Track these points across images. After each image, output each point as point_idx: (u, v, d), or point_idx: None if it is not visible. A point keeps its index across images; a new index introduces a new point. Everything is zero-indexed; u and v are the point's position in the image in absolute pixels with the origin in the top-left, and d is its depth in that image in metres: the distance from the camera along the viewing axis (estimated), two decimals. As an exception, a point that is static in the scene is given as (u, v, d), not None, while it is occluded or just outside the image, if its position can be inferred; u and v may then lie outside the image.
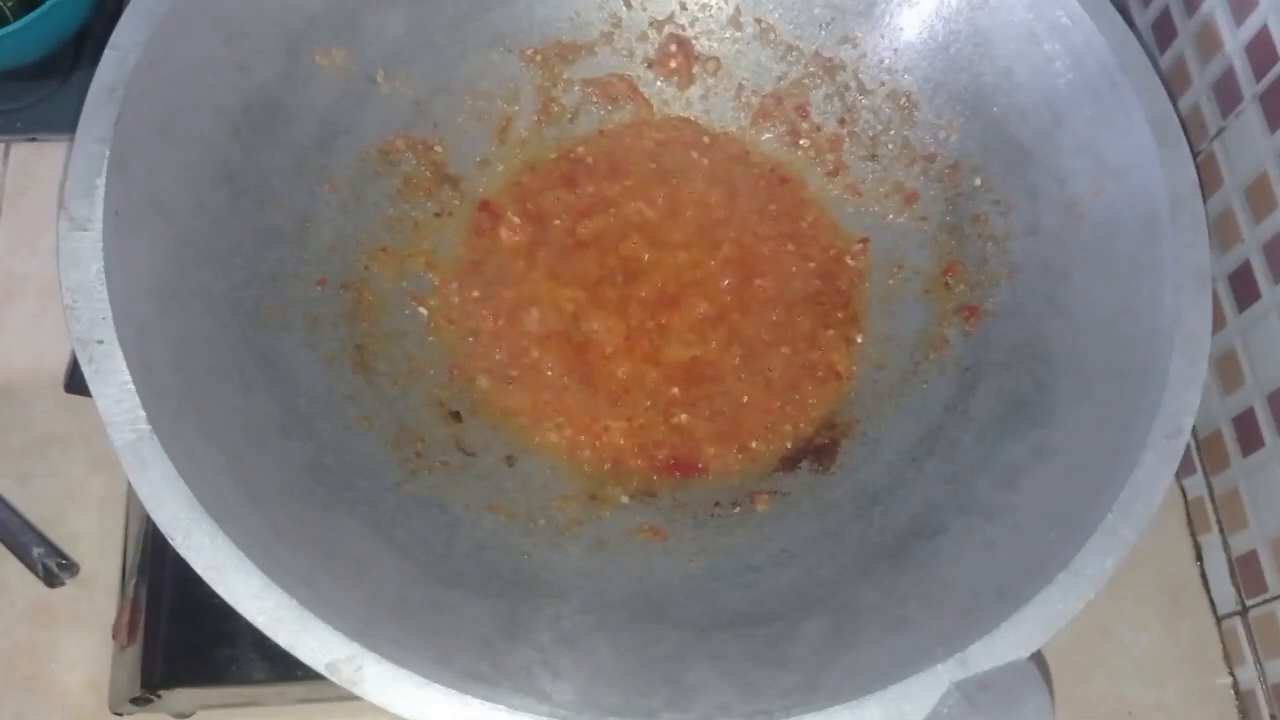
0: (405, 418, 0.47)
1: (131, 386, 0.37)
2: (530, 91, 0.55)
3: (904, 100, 0.54)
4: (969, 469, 0.45)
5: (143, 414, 0.36)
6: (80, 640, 0.49)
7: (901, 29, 0.53)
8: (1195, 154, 0.51)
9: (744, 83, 0.56)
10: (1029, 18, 0.49)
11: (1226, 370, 0.52)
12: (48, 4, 0.54)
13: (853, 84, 0.55)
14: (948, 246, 0.52)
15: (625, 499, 0.48)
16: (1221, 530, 0.53)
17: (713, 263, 0.53)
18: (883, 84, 0.54)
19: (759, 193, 0.55)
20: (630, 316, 0.52)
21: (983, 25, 0.51)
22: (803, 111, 0.56)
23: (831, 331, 0.53)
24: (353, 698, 0.34)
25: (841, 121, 0.55)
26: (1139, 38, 0.48)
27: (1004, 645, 0.36)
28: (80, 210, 0.39)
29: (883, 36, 0.54)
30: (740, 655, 0.39)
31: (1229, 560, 0.52)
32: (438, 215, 0.53)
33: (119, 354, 0.37)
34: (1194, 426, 0.41)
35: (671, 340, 0.52)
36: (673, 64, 0.56)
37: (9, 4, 0.56)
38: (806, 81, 0.56)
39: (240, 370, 0.42)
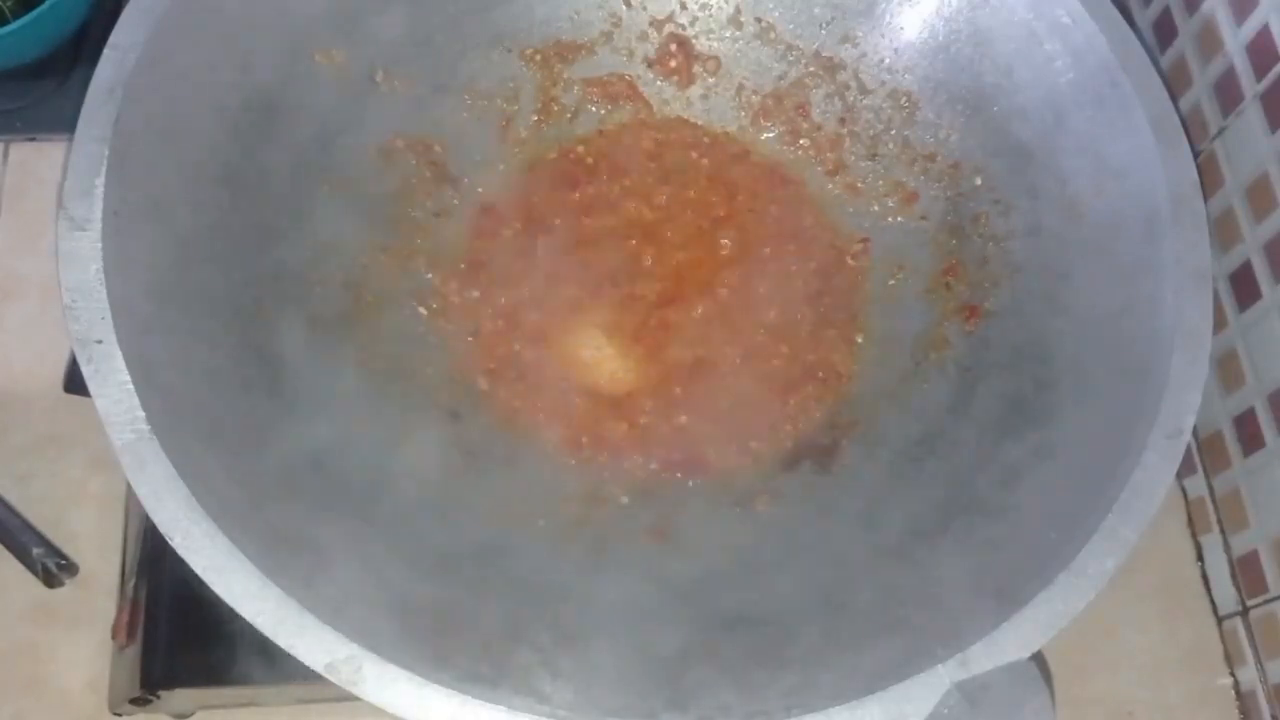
0: (405, 417, 0.47)
1: (131, 386, 0.37)
2: (530, 91, 0.55)
3: (904, 100, 0.54)
4: (969, 469, 0.45)
5: (142, 414, 0.36)
6: (80, 640, 0.49)
7: (902, 28, 0.53)
8: (1196, 153, 0.51)
9: (744, 82, 0.56)
10: (1029, 17, 0.49)
11: (1227, 370, 0.52)
12: (47, 3, 0.54)
13: (853, 83, 0.55)
14: (948, 246, 0.52)
15: (625, 499, 0.48)
16: (1222, 530, 0.53)
17: (713, 263, 0.53)
18: (883, 83, 0.54)
19: (759, 193, 0.55)
20: (630, 317, 0.52)
21: (983, 25, 0.51)
22: (803, 111, 0.56)
23: (832, 331, 0.52)
24: (352, 698, 0.34)
25: (842, 121, 0.55)
26: (1140, 37, 0.48)
27: (1004, 645, 0.36)
28: (79, 210, 0.39)
29: (883, 36, 0.54)
30: (740, 655, 0.39)
31: (1230, 560, 0.52)
32: (438, 215, 0.53)
33: (118, 354, 0.37)
34: (1195, 427, 0.41)
35: (672, 340, 0.52)
36: (673, 63, 0.56)
37: (8, 4, 0.56)
38: (807, 81, 0.56)
39: (240, 370, 0.42)
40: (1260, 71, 0.48)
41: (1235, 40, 0.50)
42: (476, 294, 0.52)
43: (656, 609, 0.42)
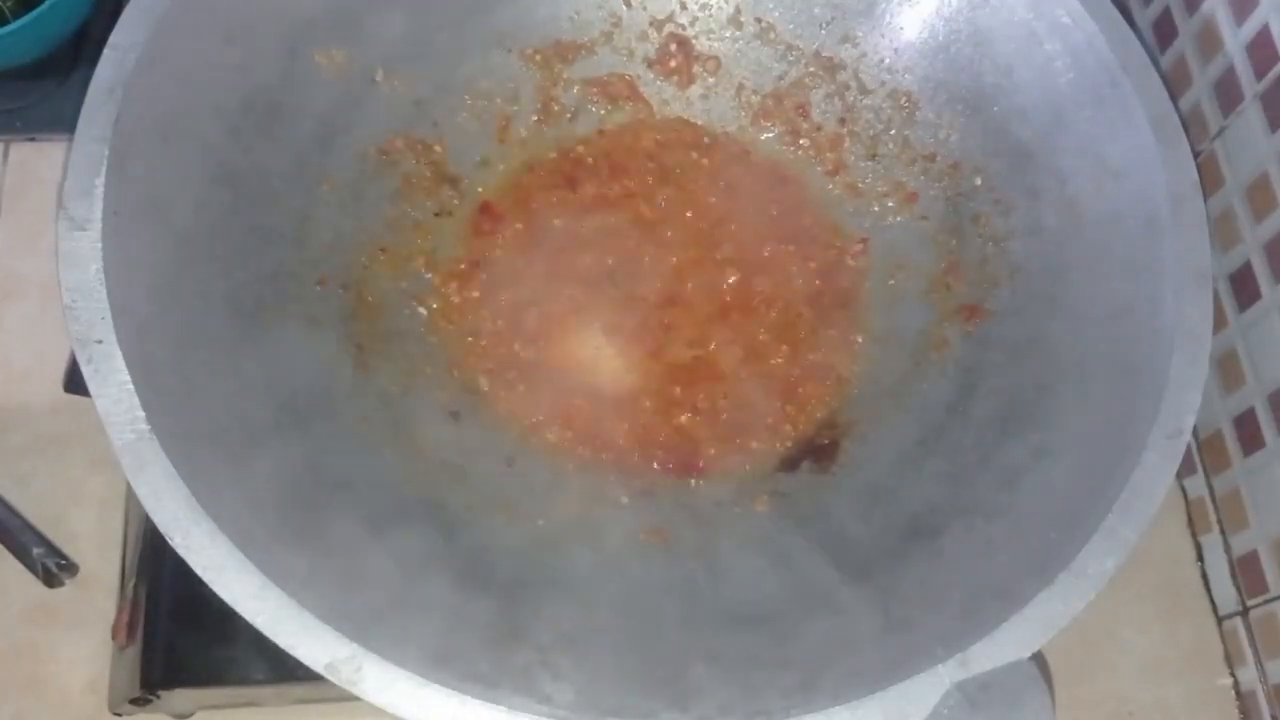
0: (405, 418, 0.47)
1: (131, 386, 0.37)
2: (530, 91, 0.55)
3: (904, 100, 0.54)
4: (969, 469, 0.45)
5: (142, 414, 0.36)
6: (80, 640, 0.49)
7: (902, 28, 0.53)
8: (1196, 153, 0.51)
9: (744, 82, 0.56)
10: (1029, 17, 0.49)
11: (1227, 370, 0.52)
12: (47, 3, 0.54)
13: (853, 83, 0.55)
14: (948, 246, 0.52)
15: (625, 499, 0.48)
16: (1222, 531, 0.53)
17: (713, 263, 0.53)
18: (883, 83, 0.54)
19: (759, 193, 0.55)
20: (630, 317, 0.52)
21: (983, 25, 0.51)
22: (803, 111, 0.56)
23: (832, 331, 0.52)
24: (352, 698, 0.34)
25: (842, 121, 0.55)
26: (1140, 37, 0.48)
27: (1005, 645, 0.36)
28: (80, 210, 0.39)
29: (883, 36, 0.54)
30: (740, 655, 0.39)
31: (1230, 561, 0.52)
32: (438, 215, 0.53)
33: (118, 354, 0.37)
34: (1195, 427, 0.41)
35: (672, 340, 0.52)
36: (673, 63, 0.56)
37: (8, 4, 0.56)
38: (807, 81, 0.56)
39: (240, 370, 0.42)
40: (1260, 71, 0.48)
41: (1235, 40, 0.50)
42: (476, 294, 0.52)
43: (656, 609, 0.42)
